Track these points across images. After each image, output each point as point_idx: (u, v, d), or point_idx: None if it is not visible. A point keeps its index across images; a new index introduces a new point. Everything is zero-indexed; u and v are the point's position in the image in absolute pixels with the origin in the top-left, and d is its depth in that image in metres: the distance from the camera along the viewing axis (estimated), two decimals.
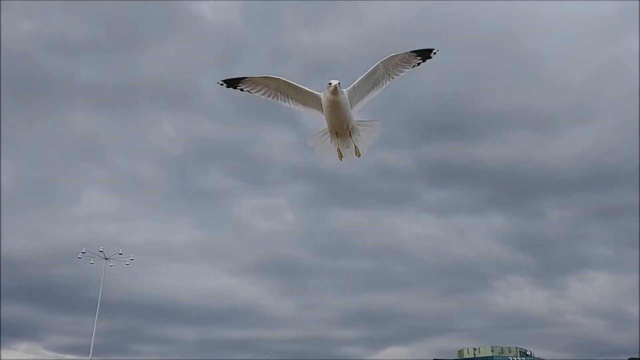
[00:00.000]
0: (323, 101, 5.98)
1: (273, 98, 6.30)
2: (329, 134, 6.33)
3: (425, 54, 6.07)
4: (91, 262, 30.21)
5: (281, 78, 6.12)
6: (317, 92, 6.11)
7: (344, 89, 5.92)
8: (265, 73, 6.19)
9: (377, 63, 6.02)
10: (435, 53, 6.05)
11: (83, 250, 30.09)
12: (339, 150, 6.36)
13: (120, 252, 31.12)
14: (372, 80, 6.16)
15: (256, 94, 6.32)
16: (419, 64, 6.10)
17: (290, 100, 6.30)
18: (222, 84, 6.28)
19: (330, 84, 5.81)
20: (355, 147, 6.37)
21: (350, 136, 6.27)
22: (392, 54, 6.07)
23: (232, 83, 6.29)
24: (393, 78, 6.17)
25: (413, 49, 6.03)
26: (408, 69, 6.15)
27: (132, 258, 31.28)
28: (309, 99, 6.20)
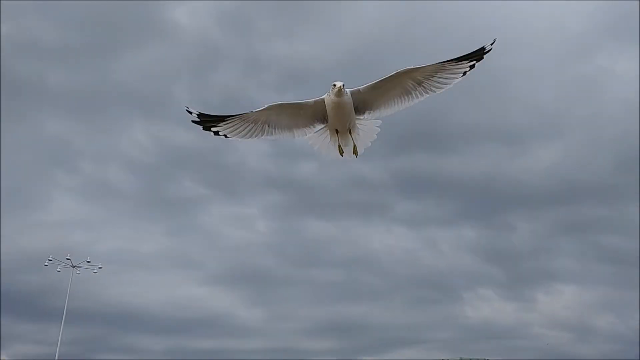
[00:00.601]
0: (327, 103, 5.90)
1: (261, 134, 5.98)
2: (328, 132, 6.25)
3: (475, 56, 5.56)
4: (58, 269, 29.69)
5: (275, 103, 5.85)
6: (317, 99, 5.96)
7: (347, 90, 5.79)
8: (258, 108, 5.84)
9: (392, 73, 5.71)
10: (489, 50, 5.52)
11: (50, 258, 29.56)
12: (339, 146, 6.25)
13: (88, 260, 30.63)
14: (391, 89, 5.84)
15: (236, 138, 5.94)
16: (471, 67, 5.60)
17: (281, 129, 6.01)
18: (192, 114, 5.86)
19: (334, 85, 5.75)
20: (354, 146, 6.31)
21: (350, 134, 6.19)
22: (412, 67, 5.67)
23: (206, 122, 5.87)
24: (433, 90, 5.78)
25: (457, 57, 5.57)
26: (456, 78, 5.71)
27: (100, 266, 30.80)
28: (309, 111, 5.99)
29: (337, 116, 5.96)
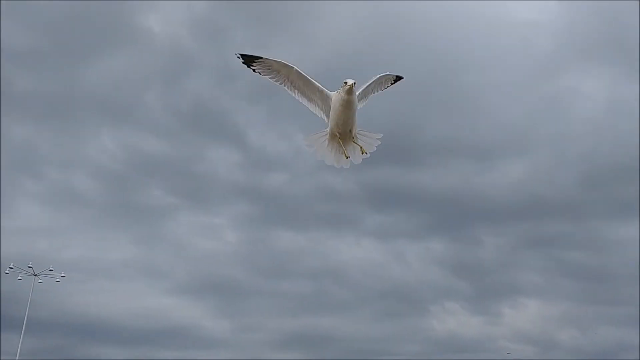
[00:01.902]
0: (335, 100, 5.91)
1: (281, 84, 6.27)
2: (327, 136, 6.23)
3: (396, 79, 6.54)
4: (19, 278, 28.95)
5: (294, 67, 6.09)
6: (327, 90, 6.11)
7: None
8: (282, 60, 6.15)
9: (377, 76, 6.35)
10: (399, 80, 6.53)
11: (11, 266, 28.83)
12: (344, 150, 6.28)
13: (51, 269, 29.94)
14: (368, 90, 6.38)
15: (266, 77, 6.26)
16: (391, 84, 6.56)
17: (297, 92, 6.28)
18: (239, 57, 6.23)
19: (346, 82, 5.77)
20: (360, 147, 6.33)
21: (352, 141, 6.26)
22: (387, 73, 6.46)
23: (248, 60, 6.21)
24: (377, 92, 6.49)
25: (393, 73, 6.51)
26: (386, 88, 6.57)
27: (63, 275, 30.10)
28: (316, 95, 6.21)
29: (344, 116, 5.91)
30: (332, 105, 5.97)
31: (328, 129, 6.18)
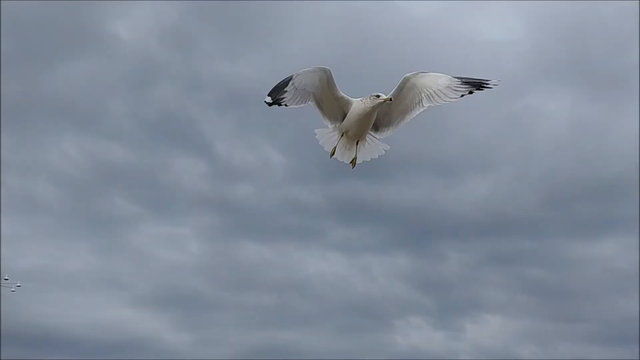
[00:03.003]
0: (357, 107, 5.70)
1: (309, 101, 5.80)
2: (337, 132, 6.06)
3: (477, 84, 5.65)
4: None
5: (326, 73, 5.65)
6: (346, 96, 5.81)
7: None
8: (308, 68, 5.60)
9: (402, 78, 5.66)
10: (495, 85, 5.67)
11: None
12: (335, 147, 6.04)
13: (6, 278, 28.99)
14: (402, 99, 5.80)
15: (294, 106, 5.75)
16: (470, 92, 5.67)
17: (316, 103, 5.89)
18: (268, 102, 5.67)
19: (378, 96, 5.54)
20: (355, 157, 6.16)
21: (356, 143, 6.08)
22: (420, 71, 5.65)
23: (275, 96, 5.67)
24: (431, 102, 5.73)
25: (461, 76, 5.66)
26: (455, 97, 5.72)
27: (18, 284, 29.19)
28: (334, 103, 5.91)
29: (360, 124, 5.81)
30: (350, 111, 5.86)
31: (340, 128, 6.09)
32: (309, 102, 5.86)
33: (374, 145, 6.23)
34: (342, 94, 5.86)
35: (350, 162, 6.25)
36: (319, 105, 5.93)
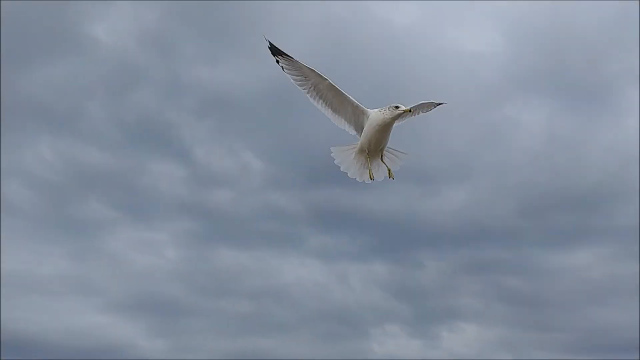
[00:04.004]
0: (375, 118, 5.73)
1: (306, 91, 5.90)
2: (355, 150, 6.07)
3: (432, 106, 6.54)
4: None
5: (328, 80, 5.75)
6: (363, 106, 5.86)
7: None
8: (312, 67, 5.73)
9: (421, 102, 6.32)
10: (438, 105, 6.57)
11: None
12: (370, 170, 6.08)
13: None
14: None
15: (289, 76, 5.85)
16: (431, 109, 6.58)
17: (322, 102, 5.94)
18: (269, 45, 5.77)
19: (397, 107, 5.63)
20: (389, 169, 6.13)
21: (381, 159, 6.10)
22: (423, 102, 6.36)
23: (276, 51, 5.78)
24: (412, 116, 6.42)
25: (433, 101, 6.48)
26: (425, 112, 6.60)
27: None
28: (347, 110, 5.94)
29: (378, 135, 5.81)
30: (368, 122, 5.79)
31: (358, 143, 6.03)
32: (308, 94, 5.86)
33: (394, 159, 6.21)
34: (354, 101, 5.85)
35: (389, 176, 6.17)
36: (328, 103, 5.92)
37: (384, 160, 6.13)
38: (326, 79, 5.74)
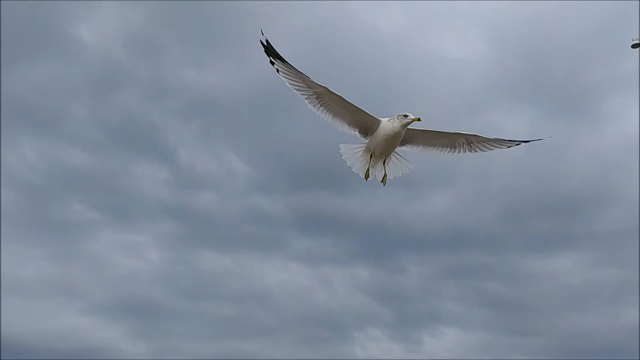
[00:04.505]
0: (384, 127, 5.78)
1: (304, 96, 5.84)
2: (363, 150, 6.14)
3: (525, 141, 6.25)
4: None
5: (341, 97, 5.73)
6: (372, 114, 5.86)
7: None
8: (312, 77, 5.66)
9: (455, 132, 6.06)
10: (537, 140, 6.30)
11: None
12: (368, 169, 6.15)
13: None
14: (441, 139, 6.13)
15: (286, 81, 5.77)
16: (517, 144, 6.26)
17: (324, 109, 5.89)
18: (262, 33, 5.69)
19: (406, 116, 5.68)
20: (385, 175, 6.23)
21: (383, 162, 6.17)
22: (476, 133, 6.09)
23: (271, 53, 5.69)
24: (476, 151, 6.20)
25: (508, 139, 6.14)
26: (500, 148, 6.27)
27: None
28: (354, 117, 5.93)
29: (386, 143, 5.87)
30: (378, 130, 5.81)
31: (366, 146, 6.09)
32: (308, 101, 5.85)
33: (399, 164, 6.29)
34: (366, 111, 5.87)
35: (381, 181, 6.26)
36: (331, 111, 5.91)
37: (385, 164, 6.21)
38: (338, 95, 5.73)
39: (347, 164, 6.29)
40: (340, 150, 6.28)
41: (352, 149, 6.22)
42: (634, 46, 13.68)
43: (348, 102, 5.79)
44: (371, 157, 6.13)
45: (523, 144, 6.29)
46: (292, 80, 5.79)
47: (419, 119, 5.73)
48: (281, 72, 5.77)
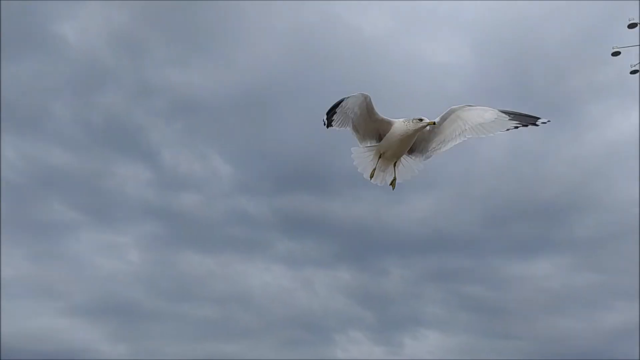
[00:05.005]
0: (398, 128, 5.78)
1: (348, 127, 5.88)
2: (373, 152, 6.13)
3: (526, 121, 5.80)
4: None
5: (367, 99, 5.74)
6: (386, 117, 5.87)
7: None
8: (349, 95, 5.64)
9: (448, 110, 5.82)
10: (543, 123, 5.81)
11: None
12: (374, 170, 6.13)
13: None
14: (444, 128, 5.95)
15: (341, 128, 5.82)
16: (516, 127, 5.83)
17: (353, 125, 5.93)
18: (325, 122, 5.67)
19: (421, 119, 5.66)
20: (394, 179, 6.22)
21: (394, 165, 6.16)
22: (467, 105, 5.84)
23: (330, 116, 5.67)
24: (476, 134, 5.89)
25: (509, 111, 5.80)
26: (500, 131, 5.88)
27: None
28: (370, 125, 5.95)
29: (400, 145, 5.86)
30: (391, 131, 5.82)
31: (377, 148, 6.06)
32: (348, 127, 5.89)
33: (409, 166, 6.26)
34: (381, 116, 5.89)
35: (390, 184, 6.26)
36: (356, 129, 5.95)
37: (396, 168, 6.20)
38: (365, 98, 5.73)
39: (358, 169, 6.27)
40: (352, 155, 6.25)
41: (363, 152, 6.20)
42: (614, 54, 13.87)
43: (366, 104, 5.80)
44: (379, 158, 6.13)
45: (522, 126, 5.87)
46: (341, 121, 5.81)
47: (434, 123, 5.71)
48: (335, 124, 5.79)
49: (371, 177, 6.20)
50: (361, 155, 6.22)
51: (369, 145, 6.11)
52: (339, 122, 5.75)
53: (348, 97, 5.63)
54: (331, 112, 5.65)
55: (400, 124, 5.81)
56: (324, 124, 5.67)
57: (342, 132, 5.90)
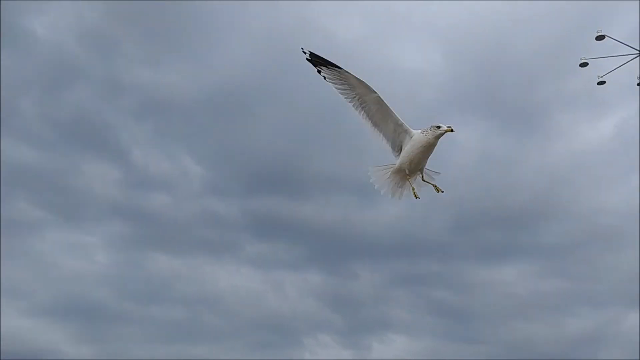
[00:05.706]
0: (418, 139, 5.72)
1: (349, 101, 5.84)
2: (391, 169, 6.06)
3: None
4: None
5: (377, 93, 5.71)
6: (407, 125, 5.83)
7: None
8: (361, 78, 5.66)
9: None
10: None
11: None
12: (413, 188, 6.06)
13: None
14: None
15: (333, 86, 5.80)
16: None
17: (364, 114, 5.87)
18: (305, 52, 5.74)
19: (439, 127, 5.62)
20: (435, 185, 6.17)
21: (420, 177, 6.11)
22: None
23: (318, 61, 5.71)
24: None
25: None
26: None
27: None
28: (389, 126, 5.89)
29: (421, 155, 5.80)
30: (411, 143, 5.76)
31: (397, 163, 5.96)
32: (352, 104, 5.85)
33: (429, 178, 6.20)
34: (399, 119, 5.84)
35: (413, 193, 6.13)
36: (370, 116, 5.87)
37: (424, 179, 6.14)
38: (375, 92, 5.73)
39: (375, 187, 6.21)
40: (369, 172, 6.22)
41: (381, 170, 6.16)
42: (582, 65, 14.14)
43: (382, 100, 5.78)
44: (405, 173, 6.06)
45: None
46: (337, 84, 5.83)
47: (451, 130, 5.67)
48: (327, 78, 5.83)
49: (416, 197, 6.10)
50: (379, 173, 6.17)
51: (385, 148, 6.04)
52: (337, 82, 5.79)
53: (352, 74, 5.69)
54: (324, 61, 5.73)
55: (419, 135, 5.77)
56: (309, 61, 5.76)
57: (332, 88, 5.88)
